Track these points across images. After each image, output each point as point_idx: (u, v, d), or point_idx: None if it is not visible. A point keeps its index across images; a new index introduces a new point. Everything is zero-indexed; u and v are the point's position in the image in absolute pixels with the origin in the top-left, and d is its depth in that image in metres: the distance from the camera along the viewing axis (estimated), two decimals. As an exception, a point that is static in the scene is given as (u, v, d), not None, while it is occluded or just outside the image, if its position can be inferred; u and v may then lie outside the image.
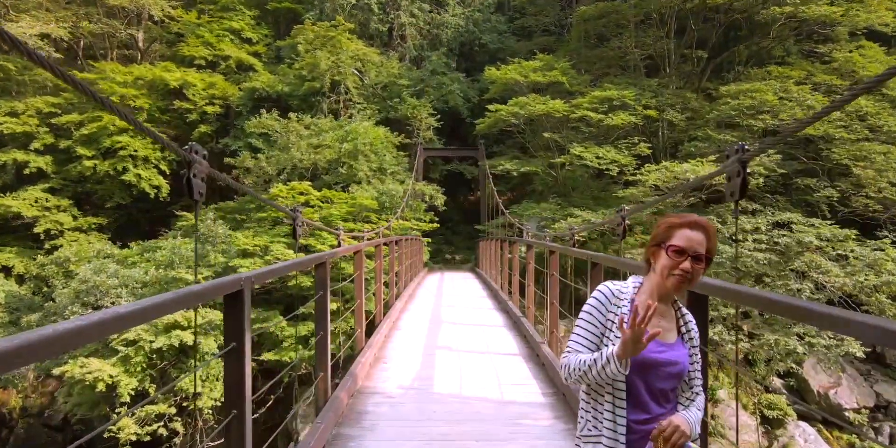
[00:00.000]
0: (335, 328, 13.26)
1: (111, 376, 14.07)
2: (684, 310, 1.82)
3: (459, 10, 29.38)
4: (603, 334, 1.72)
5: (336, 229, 5.65)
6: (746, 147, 2.35)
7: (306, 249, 17.24)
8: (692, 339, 1.79)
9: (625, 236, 4.03)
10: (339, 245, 5.55)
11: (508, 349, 6.12)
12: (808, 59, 23.75)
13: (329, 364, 3.96)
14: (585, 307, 1.77)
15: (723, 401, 19.54)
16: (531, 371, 5.19)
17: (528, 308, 7.29)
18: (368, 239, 7.56)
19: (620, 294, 1.75)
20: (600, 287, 1.78)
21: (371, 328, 7.27)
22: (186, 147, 2.34)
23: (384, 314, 7.43)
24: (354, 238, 7.44)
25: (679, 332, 1.77)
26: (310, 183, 18.59)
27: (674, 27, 22.84)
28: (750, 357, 18.69)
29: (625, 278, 1.90)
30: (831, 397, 19.94)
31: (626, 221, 4.04)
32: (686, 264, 1.64)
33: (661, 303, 1.73)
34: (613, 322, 1.70)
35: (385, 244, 8.87)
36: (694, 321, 1.81)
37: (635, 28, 23.25)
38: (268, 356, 15.97)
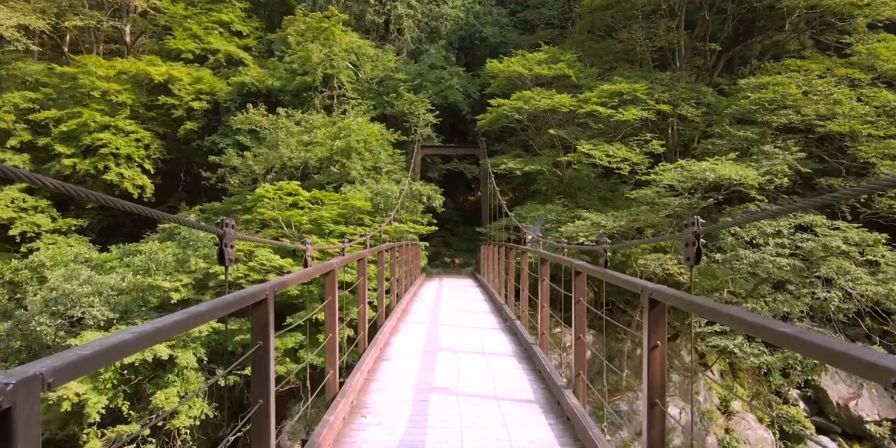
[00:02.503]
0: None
1: (77, 395, 12.86)
2: None
3: (459, 2, 28.12)
4: None
5: (303, 242, 4.42)
6: None
7: (293, 254, 16.02)
8: None
9: (698, 261, 2.80)
10: (305, 264, 4.33)
11: (522, 393, 4.87)
12: (825, 53, 22.55)
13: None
14: None
15: (737, 413, 18.38)
16: (554, 431, 3.95)
17: (542, 334, 6.06)
18: (352, 246, 6.33)
19: None
20: None
21: (357, 348, 6.05)
22: None
23: (370, 340, 6.20)
24: (356, 244, 6.24)
25: None
26: (299, 183, 17.35)
27: (684, 18, 21.65)
28: (765, 367, 17.54)
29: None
30: (851, 409, 18.85)
31: (701, 240, 2.81)
32: None
33: None
34: None
35: (374, 255, 7.64)
36: None
37: (644, 19, 22.03)
38: (250, 371, 14.75)
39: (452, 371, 5.56)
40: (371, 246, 8.02)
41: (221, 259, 2.80)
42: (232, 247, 2.86)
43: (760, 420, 18.57)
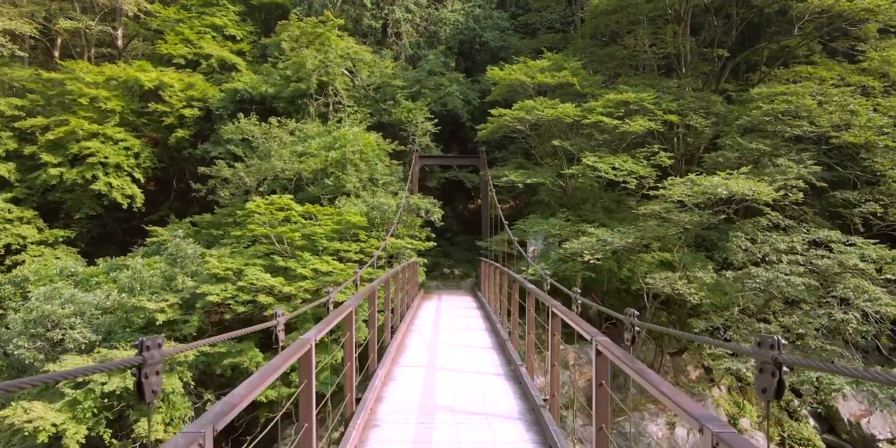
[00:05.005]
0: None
1: (55, 425, 12.14)
2: None
3: (459, 6, 27.38)
4: None
5: (275, 315, 3.70)
6: None
7: (285, 272, 15.26)
8: None
9: (779, 396, 2.09)
10: (276, 340, 3.63)
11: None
12: (835, 59, 21.87)
13: None
14: None
15: (746, 430, 17.70)
16: None
17: (553, 396, 5.36)
18: (341, 290, 5.62)
19: None
20: None
21: (345, 411, 5.34)
22: None
23: (358, 403, 5.49)
24: (345, 288, 5.56)
25: None
26: (291, 196, 16.61)
27: (689, 23, 20.95)
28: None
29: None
30: (863, 427, 18.24)
31: (784, 370, 2.11)
32: None
33: None
34: None
35: (368, 295, 6.93)
36: None
37: (650, 24, 21.32)
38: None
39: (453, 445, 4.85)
40: (364, 273, 7.33)
41: (139, 392, 2.08)
42: (158, 373, 2.14)
43: (770, 438, 17.93)
